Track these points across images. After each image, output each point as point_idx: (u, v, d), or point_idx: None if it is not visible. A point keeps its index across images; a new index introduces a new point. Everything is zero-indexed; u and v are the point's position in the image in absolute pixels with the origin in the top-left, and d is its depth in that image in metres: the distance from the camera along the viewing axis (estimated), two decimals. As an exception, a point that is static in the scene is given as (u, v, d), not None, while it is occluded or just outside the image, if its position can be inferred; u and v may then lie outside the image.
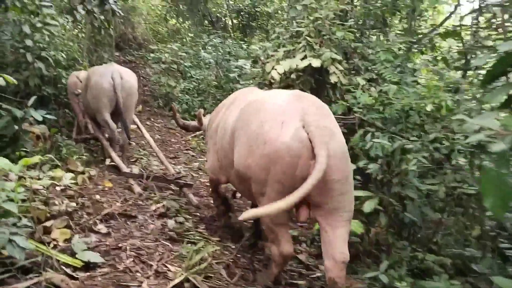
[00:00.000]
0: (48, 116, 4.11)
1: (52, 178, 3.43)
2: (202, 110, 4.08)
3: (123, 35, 15.30)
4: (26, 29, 5.88)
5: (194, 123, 4.35)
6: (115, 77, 5.20)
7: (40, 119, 3.98)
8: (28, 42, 5.97)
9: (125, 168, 4.92)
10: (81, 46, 9.37)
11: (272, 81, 4.60)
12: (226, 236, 3.61)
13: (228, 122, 2.78)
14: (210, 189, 3.78)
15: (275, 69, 4.27)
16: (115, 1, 6.61)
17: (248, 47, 13.63)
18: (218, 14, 16.91)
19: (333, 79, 4.43)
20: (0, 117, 3.96)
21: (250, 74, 5.87)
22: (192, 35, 17.88)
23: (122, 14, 13.15)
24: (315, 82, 4.74)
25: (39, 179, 3.15)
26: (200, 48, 14.14)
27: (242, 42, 14.02)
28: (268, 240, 2.59)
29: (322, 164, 1.91)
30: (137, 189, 4.50)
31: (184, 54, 11.01)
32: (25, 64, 6.26)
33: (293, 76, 4.54)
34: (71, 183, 3.61)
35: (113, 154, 5.17)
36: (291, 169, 2.06)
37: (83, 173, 4.19)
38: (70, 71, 8.10)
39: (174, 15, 17.61)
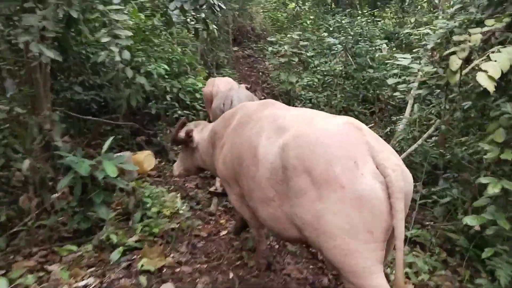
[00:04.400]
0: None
1: None
2: (191, 124, 3.41)
3: (241, 28, 14.38)
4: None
5: (182, 136, 3.46)
6: (225, 103, 4.45)
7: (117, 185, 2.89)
8: (125, 55, 5.10)
9: None
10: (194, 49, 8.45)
11: (464, 87, 2.63)
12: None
13: (259, 149, 2.33)
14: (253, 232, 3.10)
15: (482, 70, 2.25)
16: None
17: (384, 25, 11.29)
18: (342, -11, 14.65)
19: None
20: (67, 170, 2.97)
21: (411, 72, 3.85)
22: (313, 17, 16.23)
23: (237, 6, 12.23)
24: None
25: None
26: (324, 31, 12.42)
27: (373, 18, 11.75)
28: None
29: (401, 224, 1.77)
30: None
31: (305, 42, 9.33)
32: (127, 81, 5.46)
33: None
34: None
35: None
36: (380, 215, 1.81)
37: None
38: (184, 78, 7.27)
39: (293, -2, 16.11)
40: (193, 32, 4.63)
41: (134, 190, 3.46)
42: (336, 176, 1.86)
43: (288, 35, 9.25)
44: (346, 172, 1.85)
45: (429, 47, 3.36)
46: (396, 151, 5.65)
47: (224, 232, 3.35)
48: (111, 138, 3.21)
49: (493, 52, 2.35)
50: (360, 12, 15.03)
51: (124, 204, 3.51)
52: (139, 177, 5.06)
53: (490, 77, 2.22)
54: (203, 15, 4.30)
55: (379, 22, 11.07)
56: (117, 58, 3.56)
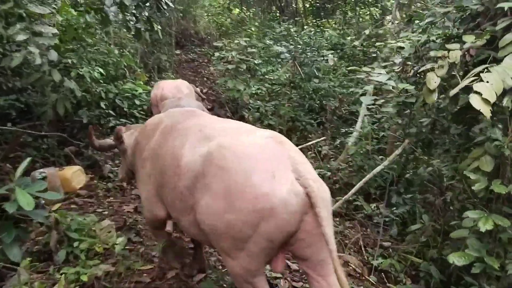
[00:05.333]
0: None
1: None
2: (123, 128, 3.34)
3: (184, 31, 13.74)
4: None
5: (110, 141, 3.45)
6: None
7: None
8: (52, 56, 4.35)
9: None
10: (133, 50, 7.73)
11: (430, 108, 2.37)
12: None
13: (183, 159, 2.31)
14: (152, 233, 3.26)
15: (477, 93, 1.95)
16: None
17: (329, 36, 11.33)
18: (288, -3, 14.60)
19: None
20: None
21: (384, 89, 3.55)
22: (257, 23, 16.02)
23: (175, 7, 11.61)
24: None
25: None
26: (270, 39, 12.22)
27: (321, 28, 11.76)
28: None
29: (329, 230, 1.85)
30: None
31: (253, 49, 9.00)
32: (54, 84, 4.71)
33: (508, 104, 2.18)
34: None
35: None
36: (286, 226, 1.89)
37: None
38: (122, 83, 6.56)
39: (238, 3, 15.77)
40: (134, 32, 4.01)
41: (57, 223, 2.80)
42: (252, 187, 1.90)
43: (236, 41, 8.86)
44: (262, 183, 1.89)
45: (397, 61, 3.13)
46: (349, 166, 5.46)
47: (172, 274, 2.80)
48: (27, 160, 2.54)
49: (481, 71, 2.12)
50: (304, 21, 15.13)
51: (44, 239, 2.84)
52: (66, 198, 4.34)
53: (485, 100, 1.98)
54: (146, 13, 3.73)
55: (325, 32, 11.04)
56: (38, 61, 2.91)
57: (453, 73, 2.47)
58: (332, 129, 9.08)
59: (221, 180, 2.01)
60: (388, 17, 12.04)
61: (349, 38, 12.39)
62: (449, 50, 2.45)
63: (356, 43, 8.88)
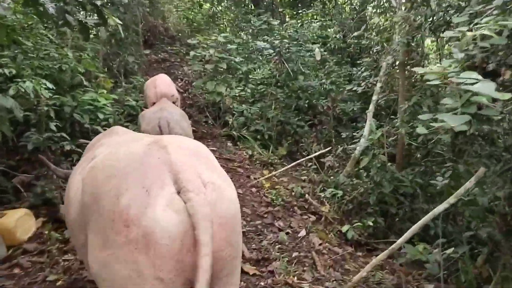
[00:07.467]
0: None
1: None
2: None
3: (152, 28, 12.49)
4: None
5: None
6: (162, 125, 4.25)
7: None
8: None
9: None
10: (93, 53, 6.53)
11: None
12: None
13: (71, 189, 2.01)
14: None
15: None
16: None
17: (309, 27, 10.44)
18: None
19: None
20: None
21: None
22: (229, 17, 14.99)
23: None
24: None
25: None
26: (247, 34, 11.24)
27: (303, 21, 10.86)
28: None
29: (207, 260, 1.43)
30: None
31: (233, 46, 7.98)
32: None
33: None
34: None
35: None
36: (173, 256, 1.45)
37: None
38: (81, 93, 5.40)
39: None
40: (78, 28, 2.88)
41: None
42: (122, 212, 1.50)
43: (213, 37, 7.81)
44: (133, 204, 1.49)
45: (460, 56, 2.22)
46: (362, 181, 4.47)
47: None
48: None
49: None
50: (281, 14, 14.21)
51: None
52: (7, 257, 3.23)
53: None
54: (98, 2, 2.64)
55: (311, 25, 10.12)
56: None
57: None
58: (323, 129, 8.22)
59: (94, 208, 1.64)
60: (370, 7, 11.29)
61: (331, 30, 11.59)
62: None
63: (356, 34, 7.98)
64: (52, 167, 3.02)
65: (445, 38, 4.13)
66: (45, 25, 5.30)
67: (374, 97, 5.40)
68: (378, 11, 9.83)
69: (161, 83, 5.35)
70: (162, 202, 1.48)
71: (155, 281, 1.46)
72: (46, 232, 3.50)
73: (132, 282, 1.48)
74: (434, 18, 5.16)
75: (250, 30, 11.02)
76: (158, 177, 1.54)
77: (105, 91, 5.99)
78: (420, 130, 2.11)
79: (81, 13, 4.90)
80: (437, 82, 1.97)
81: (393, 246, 2.69)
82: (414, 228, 2.66)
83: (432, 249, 3.49)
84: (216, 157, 6.30)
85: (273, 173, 5.76)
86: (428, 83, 1.97)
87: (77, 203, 1.86)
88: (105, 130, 5.36)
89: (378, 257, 2.80)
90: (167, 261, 1.46)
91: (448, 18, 5.11)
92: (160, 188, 1.51)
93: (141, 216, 1.46)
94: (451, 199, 2.57)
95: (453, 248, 3.11)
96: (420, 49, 6.58)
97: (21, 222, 3.51)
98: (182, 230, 1.46)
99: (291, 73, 7.79)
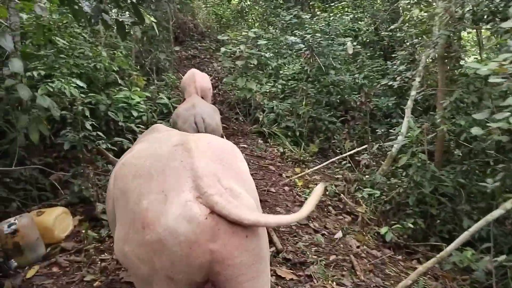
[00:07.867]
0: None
1: None
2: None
3: (182, 25, 12.55)
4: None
5: None
6: (197, 122, 4.37)
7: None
8: (15, 66, 3.25)
9: None
10: (126, 51, 6.58)
11: None
12: None
13: (112, 177, 2.04)
14: None
15: None
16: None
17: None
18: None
19: None
20: None
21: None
22: (258, 12, 14.83)
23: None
24: None
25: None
26: (275, 29, 11.07)
27: (335, 13, 10.56)
28: None
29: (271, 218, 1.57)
30: None
31: (264, 41, 7.86)
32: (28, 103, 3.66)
33: None
34: None
35: None
36: (182, 261, 1.50)
37: None
38: (115, 91, 5.46)
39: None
40: (114, 27, 2.85)
41: None
42: (141, 213, 1.56)
43: (243, 33, 7.72)
44: (151, 208, 1.54)
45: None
46: (400, 180, 4.24)
47: None
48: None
49: None
50: (311, 7, 13.92)
51: None
52: (47, 255, 3.28)
53: None
54: (134, 0, 2.60)
55: (343, 17, 9.82)
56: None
57: None
58: (356, 125, 7.98)
59: (122, 203, 1.73)
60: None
61: (362, 22, 11.24)
62: None
63: (393, 26, 7.69)
64: (111, 157, 3.20)
65: (492, 31, 3.86)
66: (80, 24, 5.38)
67: (413, 92, 5.15)
68: (413, 1, 9.46)
69: (200, 78, 5.63)
70: (176, 211, 1.50)
71: (167, 280, 1.55)
72: (83, 230, 3.53)
73: (149, 276, 1.58)
74: (477, 8, 4.87)
75: (280, 25, 10.85)
76: (177, 182, 1.57)
77: (138, 89, 6.04)
78: (476, 131, 1.94)
79: (113, 11, 4.95)
80: (497, 80, 1.80)
81: (441, 253, 2.52)
82: (466, 234, 2.48)
83: (477, 254, 3.30)
84: (247, 155, 6.22)
85: (306, 171, 5.63)
86: (489, 81, 1.80)
87: (111, 193, 1.97)
88: (138, 128, 5.44)
89: (425, 264, 2.65)
90: (178, 265, 1.52)
91: (493, 8, 4.82)
92: (176, 195, 1.53)
93: (156, 221, 1.52)
94: (508, 204, 2.38)
95: (505, 256, 2.90)
96: (458, 42, 6.26)
97: (59, 220, 3.56)
98: (194, 239, 1.48)
99: (322, 67, 7.59)
